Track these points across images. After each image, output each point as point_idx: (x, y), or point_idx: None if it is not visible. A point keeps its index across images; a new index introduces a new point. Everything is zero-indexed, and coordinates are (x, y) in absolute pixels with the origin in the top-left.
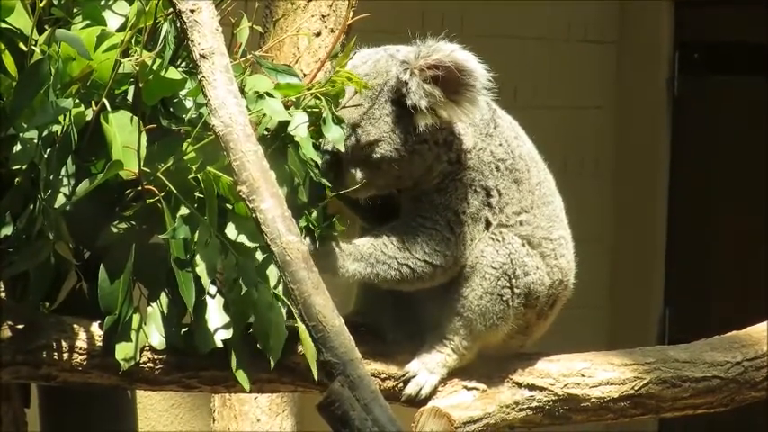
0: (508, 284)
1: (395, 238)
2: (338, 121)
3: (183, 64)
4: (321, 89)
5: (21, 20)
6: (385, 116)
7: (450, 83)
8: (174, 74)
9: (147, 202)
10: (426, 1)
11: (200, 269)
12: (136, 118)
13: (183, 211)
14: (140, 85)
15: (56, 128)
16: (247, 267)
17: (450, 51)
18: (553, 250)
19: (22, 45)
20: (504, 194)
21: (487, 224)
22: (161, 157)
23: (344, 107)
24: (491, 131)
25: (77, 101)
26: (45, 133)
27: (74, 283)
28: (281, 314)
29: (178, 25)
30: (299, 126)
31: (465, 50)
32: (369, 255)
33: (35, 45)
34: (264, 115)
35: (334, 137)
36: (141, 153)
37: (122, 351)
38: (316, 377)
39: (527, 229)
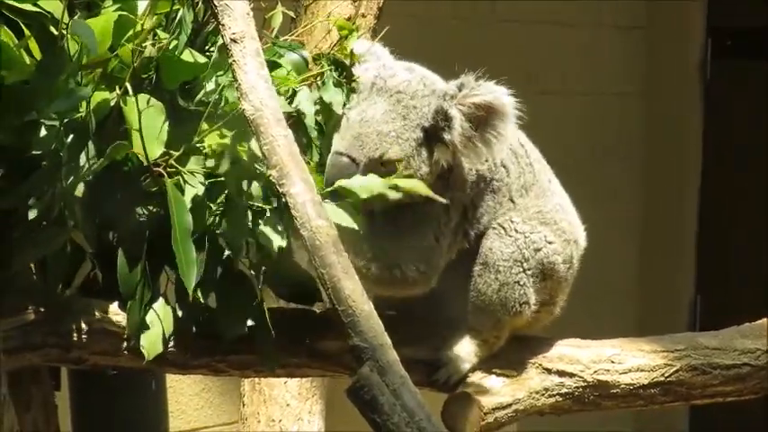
0: (521, 269)
1: (388, 240)
2: (338, 84)
3: (213, 49)
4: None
5: (51, 4)
6: (413, 140)
7: (483, 125)
8: (189, 57)
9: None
10: None
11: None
12: (156, 101)
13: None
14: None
15: (78, 114)
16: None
17: (499, 94)
18: (552, 218)
19: (53, 29)
20: (479, 207)
21: (466, 234)
22: (182, 140)
23: (374, 119)
24: None
25: (102, 86)
26: (66, 120)
27: (88, 270)
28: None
29: (197, 9)
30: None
31: (509, 94)
32: (367, 250)
33: (66, 29)
34: None
35: (334, 100)
36: (162, 136)
37: (147, 338)
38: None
39: (516, 215)
